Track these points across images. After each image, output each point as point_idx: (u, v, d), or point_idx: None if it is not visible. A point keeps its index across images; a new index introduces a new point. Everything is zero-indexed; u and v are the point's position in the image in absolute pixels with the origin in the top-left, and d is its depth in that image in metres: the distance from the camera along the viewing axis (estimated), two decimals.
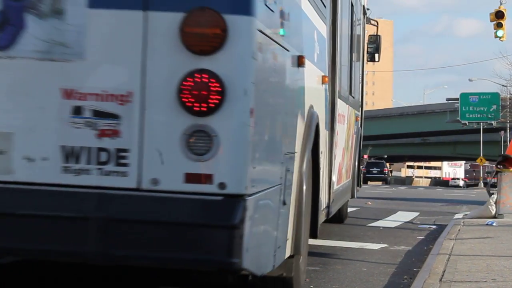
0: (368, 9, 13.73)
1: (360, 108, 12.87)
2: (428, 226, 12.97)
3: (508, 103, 62.68)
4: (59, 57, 4.09)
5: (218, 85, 3.94)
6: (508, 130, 64.78)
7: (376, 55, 14.21)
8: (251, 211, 4.04)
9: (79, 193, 4.04)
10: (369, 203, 19.58)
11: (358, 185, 12.55)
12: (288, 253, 5.35)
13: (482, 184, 66.26)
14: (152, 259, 4.04)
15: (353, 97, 11.15)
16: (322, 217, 7.44)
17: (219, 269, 4.14)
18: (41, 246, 4.07)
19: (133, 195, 4.02)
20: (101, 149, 4.06)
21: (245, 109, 4.01)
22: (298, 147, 5.59)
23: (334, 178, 8.51)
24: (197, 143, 3.99)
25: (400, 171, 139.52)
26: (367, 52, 14.10)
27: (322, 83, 7.19)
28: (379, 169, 64.18)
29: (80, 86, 4.07)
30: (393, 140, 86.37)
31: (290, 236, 5.38)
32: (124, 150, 4.06)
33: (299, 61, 5.47)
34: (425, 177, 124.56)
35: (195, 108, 3.95)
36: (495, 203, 13.14)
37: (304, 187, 5.73)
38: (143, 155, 4.04)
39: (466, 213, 15.15)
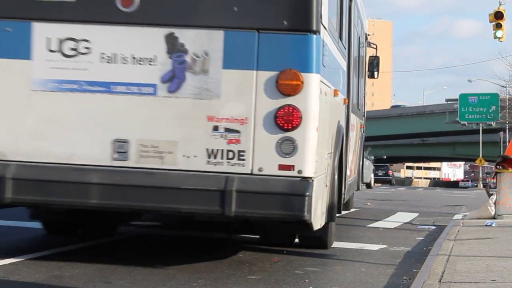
0: (369, 35, 17.04)
1: (363, 117, 16.13)
2: (428, 227, 12.97)
3: (507, 103, 62.67)
4: (205, 97, 6.94)
5: (298, 113, 6.82)
6: (507, 131, 64.77)
7: (376, 72, 16.95)
8: (315, 187, 6.88)
9: (217, 176, 6.83)
10: (369, 203, 19.59)
11: (361, 181, 15.84)
12: (325, 220, 7.98)
13: (481, 184, 66.29)
14: (260, 214, 6.81)
15: (359, 110, 14.38)
16: (341, 200, 10.20)
17: (297, 220, 6.82)
18: (195, 207, 6.88)
19: (247, 177, 6.83)
20: (229, 151, 6.89)
21: (313, 127, 6.91)
22: (333, 149, 8.55)
23: (348, 173, 11.50)
24: (285, 147, 6.85)
25: (399, 172, 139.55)
26: (368, 70, 16.79)
27: (343, 103, 10.33)
28: (384, 172, 70.66)
29: (217, 114, 6.92)
30: (392, 141, 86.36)
31: (325, 209, 8.04)
32: (243, 151, 6.89)
33: (335, 93, 8.55)
34: (425, 178, 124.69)
35: (284, 127, 6.83)
36: (495, 203, 13.15)
37: (336, 177, 8.75)
38: (254, 154, 6.88)
39: (466, 214, 15.15)
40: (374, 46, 17.02)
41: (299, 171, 6.87)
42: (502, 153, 14.64)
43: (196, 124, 6.96)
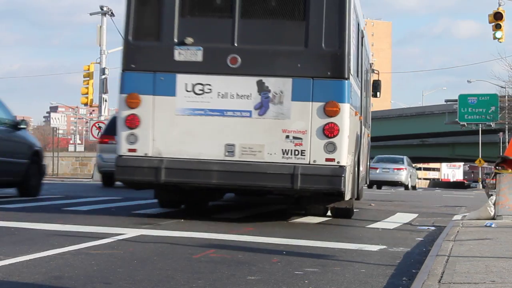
0: (372, 63, 22.03)
1: (369, 128, 21.32)
2: (427, 227, 12.98)
3: (506, 104, 62.69)
4: (281, 118, 11.43)
5: (337, 127, 11.37)
6: (506, 131, 64.78)
7: (378, 93, 22.35)
8: (347, 172, 11.48)
9: (288, 165, 11.37)
10: (372, 204, 19.61)
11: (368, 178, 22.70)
12: (350, 195, 12.44)
13: (480, 185, 66.27)
14: (314, 188, 11.40)
15: (367, 123, 19.83)
16: (358, 186, 15.74)
17: (337, 191, 11.43)
18: (276, 184, 11.48)
19: (307, 166, 11.33)
20: (295, 150, 11.40)
21: (346, 136, 11.48)
22: (354, 150, 13.26)
23: (361, 168, 16.25)
24: (329, 147, 11.37)
25: None
26: (372, 91, 21.87)
27: (359, 119, 14.93)
28: None
29: (288, 128, 11.43)
30: (391, 142, 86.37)
31: (350, 188, 12.48)
32: (304, 150, 11.41)
33: (355, 113, 13.09)
34: (424, 179, 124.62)
35: (329, 135, 11.35)
36: (494, 204, 13.14)
37: (356, 169, 13.89)
38: (310, 152, 11.38)
39: (465, 214, 15.14)
40: (377, 72, 22.48)
41: (338, 162, 11.52)
42: (501, 154, 14.63)
43: (275, 134, 11.59)
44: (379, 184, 44.22)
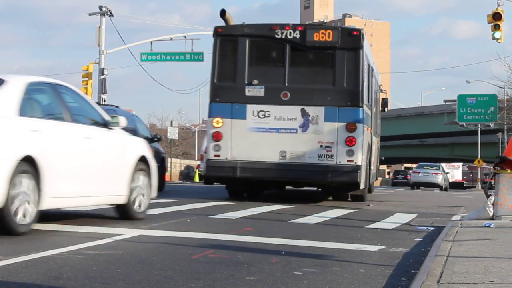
0: (381, 85, 27.74)
1: (379, 137, 27.28)
2: (426, 227, 12.98)
3: (505, 104, 62.67)
4: (317, 133, 17.74)
5: (355, 140, 17.65)
6: (505, 132, 64.75)
7: (385, 108, 27.97)
8: (362, 169, 17.96)
9: (323, 165, 17.66)
10: (371, 204, 19.61)
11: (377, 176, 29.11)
12: (363, 185, 18.65)
13: (479, 185, 66.23)
14: (340, 179, 17.84)
15: (377, 133, 25.46)
16: (370, 181, 21.62)
17: (354, 182, 17.84)
18: (315, 178, 18.14)
19: (335, 165, 17.64)
20: (327, 155, 17.69)
21: (361, 145, 17.87)
22: (367, 154, 19.44)
23: (372, 167, 21.75)
24: (349, 153, 17.64)
25: None
26: (381, 107, 27.26)
27: (370, 132, 20.64)
28: (403, 176, 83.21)
29: (322, 140, 17.73)
30: (390, 142, 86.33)
31: (364, 180, 18.75)
32: (332, 155, 17.70)
33: (367, 129, 19.44)
34: None
35: (349, 145, 17.64)
36: (493, 204, 13.14)
37: (368, 167, 19.97)
38: (337, 156, 17.66)
39: (464, 214, 15.15)
40: (385, 91, 28.40)
41: (355, 162, 17.56)
42: (500, 154, 14.63)
43: (313, 144, 17.60)
44: (419, 185, 56.48)
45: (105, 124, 11.37)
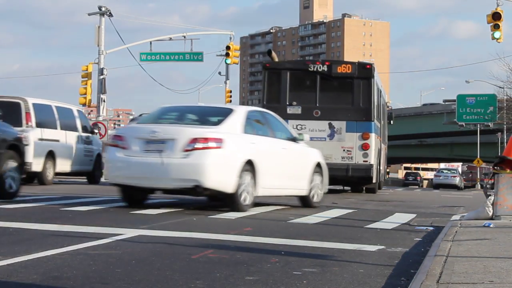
0: (388, 102, 36.00)
1: (387, 143, 33.74)
2: (425, 227, 12.97)
3: (505, 104, 62.69)
4: (340, 141, 24.86)
5: (369, 145, 24.79)
6: (505, 132, 64.78)
7: (391, 120, 35.52)
8: (374, 167, 25.17)
9: (345, 163, 24.67)
10: (369, 206, 19.62)
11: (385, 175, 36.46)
12: (375, 180, 26.00)
13: (479, 185, 66.25)
14: (357, 174, 24.91)
15: (384, 140, 32.03)
16: (379, 178, 29.09)
17: (368, 177, 25.05)
18: (339, 173, 24.29)
19: (354, 163, 24.74)
20: (348, 156, 24.78)
21: (373, 150, 25.00)
22: (377, 156, 26.35)
23: (380, 167, 28.62)
24: (365, 155, 24.77)
25: (397, 172, 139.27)
26: (388, 119, 34.47)
27: (379, 140, 27.67)
28: (413, 177, 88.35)
29: (344, 145, 24.80)
30: (390, 142, 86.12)
31: (376, 176, 26.16)
32: (352, 157, 24.83)
33: (378, 138, 26.59)
34: (423, 179, 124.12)
35: (365, 149, 24.76)
36: (492, 204, 13.14)
37: (378, 167, 26.79)
38: (355, 157, 24.74)
39: (463, 214, 15.14)
40: (390, 106, 32.47)
41: (369, 162, 24.70)
42: (499, 154, 14.63)
43: (337, 149, 24.64)
44: (440, 186, 66.57)
45: (294, 139, 16.33)
